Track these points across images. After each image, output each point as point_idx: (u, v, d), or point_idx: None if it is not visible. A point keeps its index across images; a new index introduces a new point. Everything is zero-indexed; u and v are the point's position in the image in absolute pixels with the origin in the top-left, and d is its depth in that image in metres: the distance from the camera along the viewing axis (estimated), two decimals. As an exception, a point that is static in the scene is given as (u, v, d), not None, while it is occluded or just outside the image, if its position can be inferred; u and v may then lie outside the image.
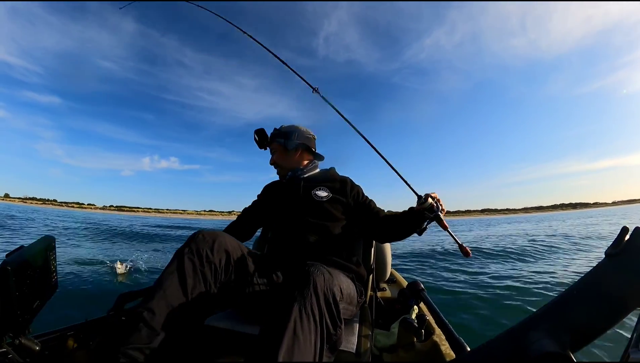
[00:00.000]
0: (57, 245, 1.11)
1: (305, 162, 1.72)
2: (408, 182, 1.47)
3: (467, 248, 1.23)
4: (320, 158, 1.80)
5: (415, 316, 1.55)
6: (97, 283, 4.35)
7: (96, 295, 3.84)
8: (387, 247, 2.17)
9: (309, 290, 0.89)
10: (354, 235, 1.57)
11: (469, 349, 1.04)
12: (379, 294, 1.94)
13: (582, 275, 0.46)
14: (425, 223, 1.36)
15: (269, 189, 1.81)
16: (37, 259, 0.95)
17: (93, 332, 1.31)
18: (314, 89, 1.81)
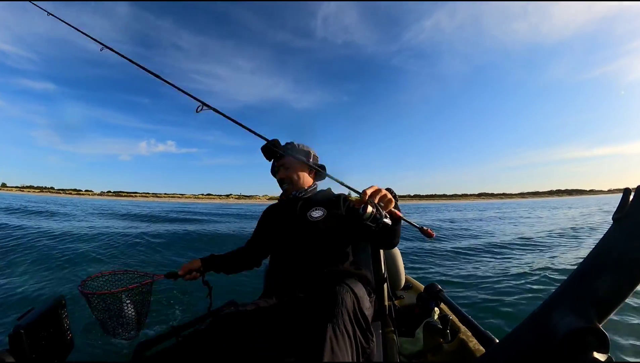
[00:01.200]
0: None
1: (310, 183, 1.70)
2: (338, 180, 1.41)
3: (428, 230, 1.18)
4: (320, 178, 1.77)
5: (438, 318, 1.53)
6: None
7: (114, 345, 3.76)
8: (398, 255, 2.16)
9: (339, 308, 0.97)
10: (359, 247, 1.55)
11: (497, 341, 1.03)
12: (396, 302, 1.91)
13: (594, 246, 0.46)
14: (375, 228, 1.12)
15: (267, 214, 1.78)
16: (49, 319, 0.94)
17: None
18: (197, 108, 1.65)
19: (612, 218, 0.45)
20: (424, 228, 1.18)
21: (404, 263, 2.23)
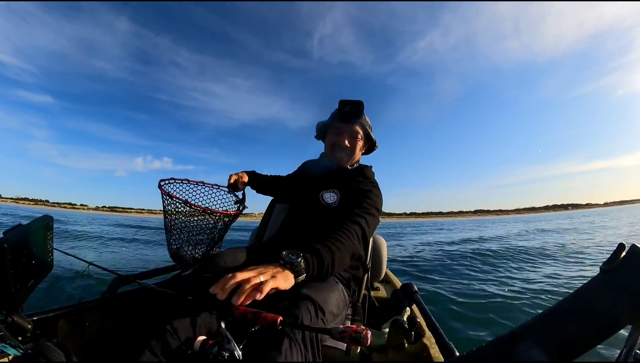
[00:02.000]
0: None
1: (359, 158, 1.64)
2: None
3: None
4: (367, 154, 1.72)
5: (407, 318, 1.56)
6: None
7: (90, 277, 3.85)
8: (383, 247, 2.18)
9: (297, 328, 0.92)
10: None
11: (457, 354, 1.05)
12: (372, 293, 1.94)
13: (576, 289, 0.46)
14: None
15: (304, 169, 1.73)
16: (35, 238, 0.95)
17: (86, 314, 1.32)
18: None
19: (600, 268, 0.45)
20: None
21: (387, 257, 2.26)
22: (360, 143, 1.54)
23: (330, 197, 1.46)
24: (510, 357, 0.44)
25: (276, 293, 0.85)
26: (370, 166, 1.66)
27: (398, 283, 2.38)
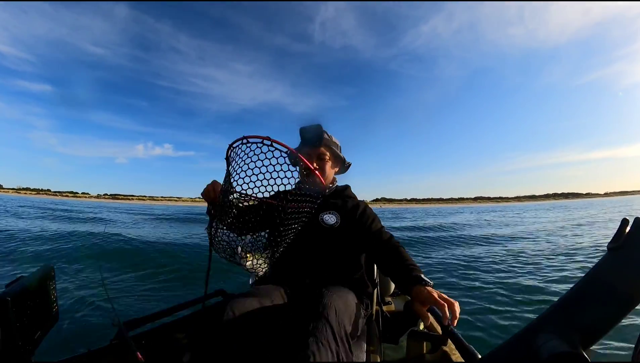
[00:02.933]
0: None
1: (331, 179, 1.62)
2: None
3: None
4: (340, 173, 1.71)
5: (423, 328, 1.53)
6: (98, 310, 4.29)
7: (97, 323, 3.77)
8: None
9: (323, 323, 0.98)
10: (359, 252, 1.53)
11: (479, 357, 1.03)
12: (384, 308, 1.91)
13: (586, 272, 0.46)
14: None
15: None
16: (37, 289, 0.94)
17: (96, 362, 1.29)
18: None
19: (607, 247, 0.45)
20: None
21: None
22: (329, 164, 1.56)
23: (330, 218, 1.46)
24: (532, 351, 0.43)
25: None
26: (349, 186, 1.70)
27: None
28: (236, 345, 1.08)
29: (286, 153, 1.18)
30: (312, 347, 0.90)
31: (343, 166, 1.65)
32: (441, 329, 1.34)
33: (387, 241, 1.38)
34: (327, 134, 1.56)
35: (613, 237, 0.44)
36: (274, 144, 1.05)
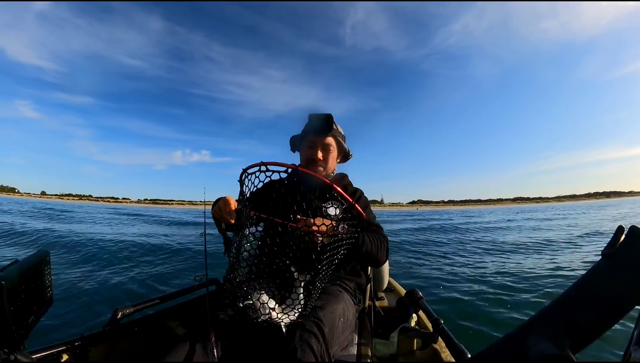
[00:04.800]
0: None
1: (334, 169, 1.62)
2: None
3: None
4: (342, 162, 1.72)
5: (415, 324, 1.55)
6: (94, 294, 4.30)
7: (92, 308, 3.78)
8: None
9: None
10: None
11: (469, 355, 1.04)
12: (377, 303, 1.93)
13: (580, 277, 0.46)
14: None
15: (273, 186, 1.47)
16: (32, 274, 0.93)
17: (89, 348, 1.30)
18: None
19: (602, 253, 0.45)
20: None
21: (389, 266, 2.25)
22: (333, 154, 1.56)
23: (332, 209, 1.45)
24: (521, 353, 0.44)
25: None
26: (346, 175, 1.69)
27: (402, 290, 2.37)
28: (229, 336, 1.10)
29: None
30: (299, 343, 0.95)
31: (345, 157, 1.66)
32: (432, 327, 1.35)
33: (375, 229, 1.43)
34: (335, 125, 1.54)
35: (608, 244, 0.45)
36: (268, 167, 1.07)
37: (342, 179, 1.66)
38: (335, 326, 1.12)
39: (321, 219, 1.12)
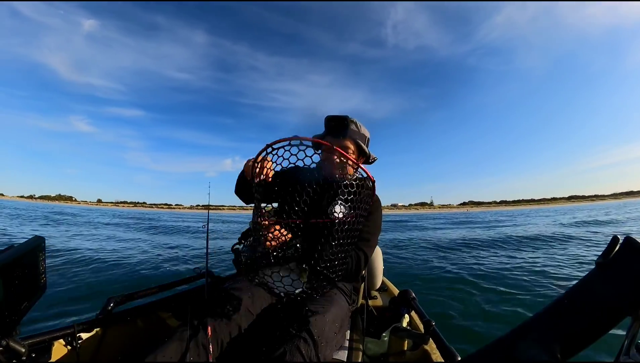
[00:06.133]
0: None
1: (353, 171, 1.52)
2: None
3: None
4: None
5: (406, 325, 1.56)
6: (87, 283, 4.30)
7: (85, 296, 3.78)
8: (379, 255, 2.18)
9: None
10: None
11: (459, 358, 1.05)
12: (370, 302, 1.94)
13: (573, 284, 0.47)
14: None
15: (291, 176, 1.43)
16: (27, 259, 0.93)
17: (80, 336, 1.30)
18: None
19: (596, 262, 0.46)
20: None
21: (383, 265, 2.26)
22: (352, 157, 1.51)
23: (339, 210, 1.44)
24: (511, 358, 0.44)
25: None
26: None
27: (396, 290, 2.38)
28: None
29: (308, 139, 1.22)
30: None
31: (367, 160, 1.60)
32: (423, 328, 1.36)
33: (358, 247, 1.39)
34: (357, 126, 1.50)
35: (602, 253, 0.45)
36: (299, 142, 1.08)
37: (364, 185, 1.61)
38: (327, 330, 1.12)
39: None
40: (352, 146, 1.50)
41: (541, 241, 10.16)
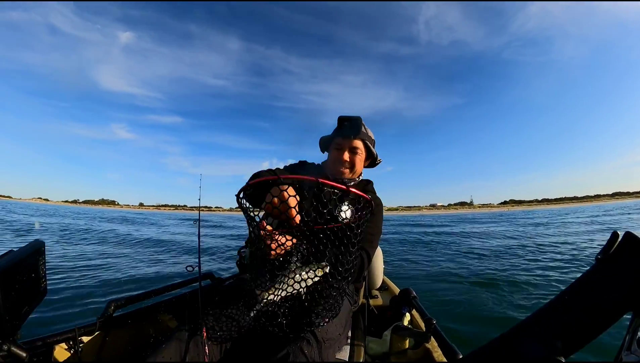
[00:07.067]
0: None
1: (360, 173, 1.60)
2: None
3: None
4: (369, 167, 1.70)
5: (408, 324, 1.56)
6: (87, 287, 4.30)
7: (86, 300, 3.78)
8: (379, 255, 2.18)
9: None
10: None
11: (461, 356, 1.05)
12: (371, 301, 1.94)
13: (573, 280, 0.47)
14: None
15: (295, 172, 1.53)
16: (26, 264, 0.93)
17: (81, 339, 1.29)
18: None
19: (596, 258, 0.46)
20: None
21: (383, 264, 2.26)
22: (361, 157, 1.55)
23: (347, 212, 1.39)
24: (512, 354, 0.44)
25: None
26: (372, 182, 1.67)
27: (396, 289, 2.38)
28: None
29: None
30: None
31: (373, 162, 1.64)
32: (425, 326, 1.36)
33: (365, 245, 1.36)
34: (365, 128, 1.54)
35: (602, 249, 0.45)
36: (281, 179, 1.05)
37: (367, 184, 1.64)
38: (331, 331, 1.12)
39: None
40: (362, 146, 1.53)
41: None
